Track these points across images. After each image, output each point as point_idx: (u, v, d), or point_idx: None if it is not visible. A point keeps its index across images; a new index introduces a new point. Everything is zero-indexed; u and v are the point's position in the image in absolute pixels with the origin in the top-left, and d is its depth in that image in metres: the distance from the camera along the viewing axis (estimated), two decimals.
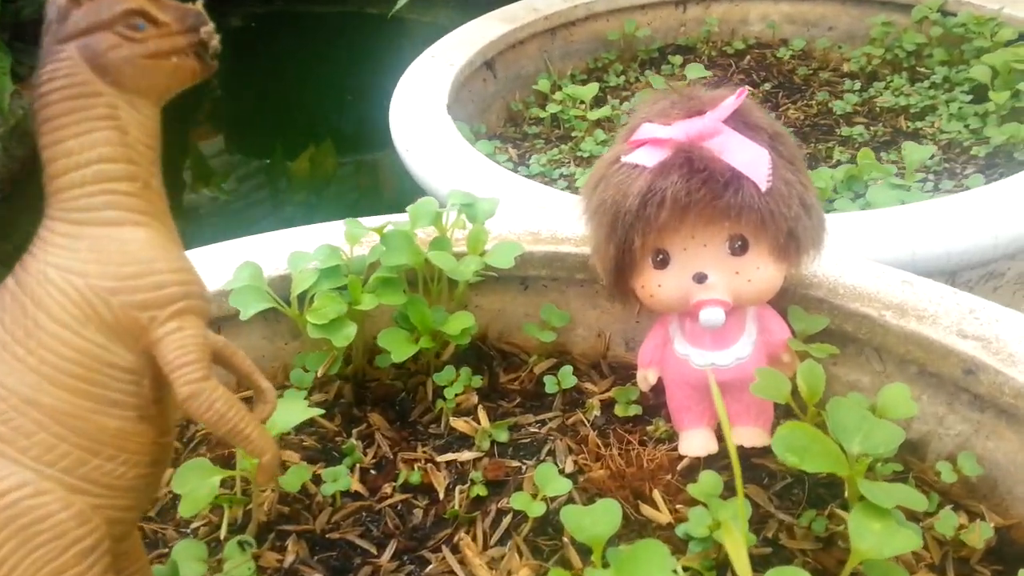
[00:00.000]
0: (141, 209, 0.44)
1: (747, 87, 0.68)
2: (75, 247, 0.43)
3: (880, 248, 0.87)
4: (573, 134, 1.41)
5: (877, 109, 1.43)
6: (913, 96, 1.41)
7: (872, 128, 1.37)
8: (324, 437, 0.78)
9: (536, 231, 0.85)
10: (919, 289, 0.74)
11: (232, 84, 3.18)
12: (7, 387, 0.42)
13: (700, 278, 0.66)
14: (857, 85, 1.51)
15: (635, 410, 0.78)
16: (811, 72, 1.62)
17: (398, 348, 0.73)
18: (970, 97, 1.38)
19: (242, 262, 0.75)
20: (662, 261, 0.67)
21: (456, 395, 0.78)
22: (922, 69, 1.52)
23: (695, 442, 0.72)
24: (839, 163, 1.28)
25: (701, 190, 0.63)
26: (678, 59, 1.64)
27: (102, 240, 0.43)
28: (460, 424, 0.77)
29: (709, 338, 0.70)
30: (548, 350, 0.85)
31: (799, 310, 0.75)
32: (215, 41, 0.46)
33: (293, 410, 0.67)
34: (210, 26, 0.46)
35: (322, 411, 0.67)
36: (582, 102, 1.42)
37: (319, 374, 0.77)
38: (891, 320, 0.72)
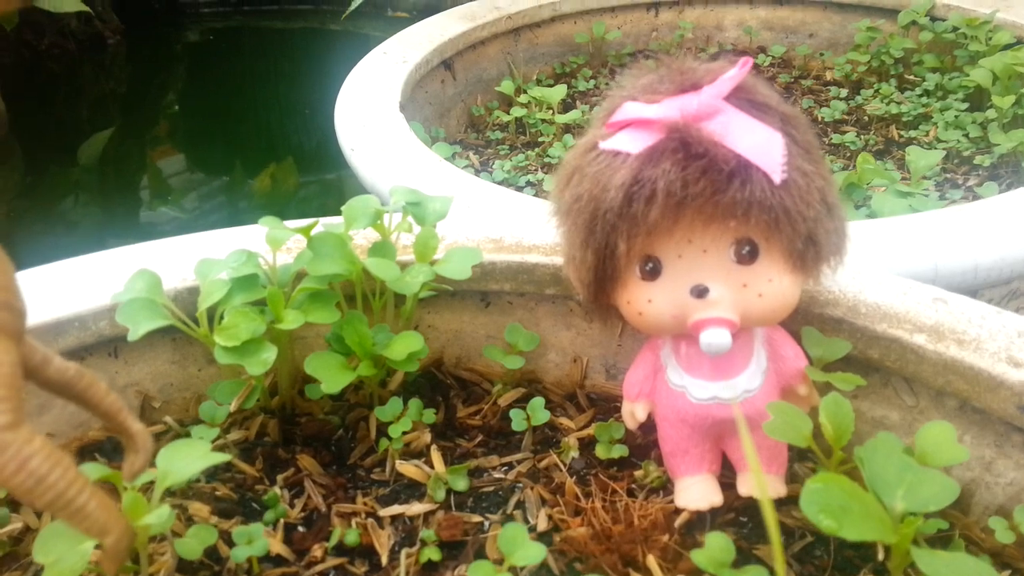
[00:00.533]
0: None
1: (750, 58, 0.56)
2: None
3: (897, 262, 0.75)
4: (540, 139, 1.29)
5: (866, 118, 1.33)
6: (905, 104, 1.31)
7: (863, 137, 1.26)
8: (242, 485, 0.64)
9: (498, 237, 0.72)
10: (956, 308, 0.63)
11: (191, 101, 3.09)
12: None
13: (700, 292, 0.53)
14: (843, 93, 1.41)
15: (620, 451, 0.65)
16: (792, 80, 1.52)
17: (330, 376, 0.60)
18: (966, 105, 1.28)
19: (137, 270, 0.62)
20: (652, 271, 0.55)
21: (404, 433, 0.64)
22: (911, 76, 1.43)
23: (695, 492, 0.59)
24: (831, 172, 1.17)
25: (700, 182, 0.50)
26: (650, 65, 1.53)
27: None
28: (409, 469, 0.63)
29: (710, 366, 0.57)
30: (515, 378, 0.72)
31: (815, 332, 0.62)
32: None
33: (192, 456, 0.53)
34: None
35: (227, 457, 0.53)
36: (549, 106, 1.30)
37: (233, 408, 0.62)
38: (926, 345, 0.60)
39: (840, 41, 1.58)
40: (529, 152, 1.25)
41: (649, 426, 0.63)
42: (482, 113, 1.41)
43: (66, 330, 0.64)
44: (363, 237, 0.71)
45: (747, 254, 0.53)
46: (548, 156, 1.22)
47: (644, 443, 0.66)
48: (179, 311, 0.62)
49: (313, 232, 0.62)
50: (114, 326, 0.63)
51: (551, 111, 1.31)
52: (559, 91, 1.29)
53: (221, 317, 0.60)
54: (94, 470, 0.51)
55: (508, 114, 1.32)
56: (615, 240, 0.53)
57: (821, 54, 1.57)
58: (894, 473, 0.49)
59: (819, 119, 1.34)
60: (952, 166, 1.16)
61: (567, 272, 0.59)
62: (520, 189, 1.15)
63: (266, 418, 0.67)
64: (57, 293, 0.66)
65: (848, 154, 1.23)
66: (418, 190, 0.66)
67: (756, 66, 1.55)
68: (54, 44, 3.16)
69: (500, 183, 1.16)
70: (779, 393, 0.60)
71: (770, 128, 0.53)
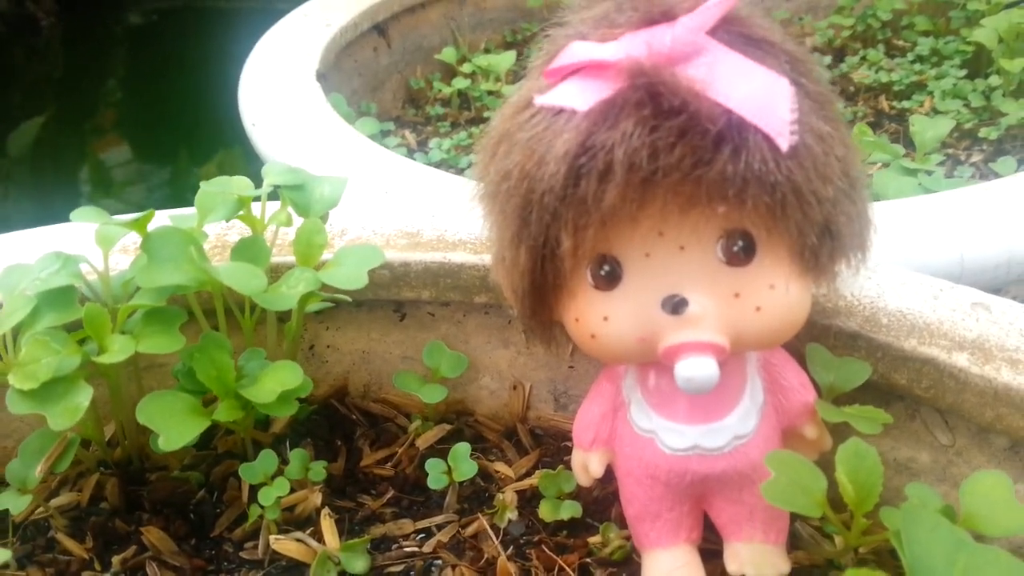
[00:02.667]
0: None
1: None
2: None
3: (915, 253, 0.61)
4: (485, 115, 1.12)
5: (853, 88, 1.18)
6: (895, 72, 1.17)
7: (851, 109, 1.12)
8: (65, 571, 0.47)
9: (415, 231, 0.56)
10: (1002, 316, 0.48)
11: (132, 86, 2.92)
12: None
13: (675, 305, 0.38)
14: (827, 60, 1.26)
15: (571, 509, 0.50)
16: None
17: (173, 427, 0.43)
18: (964, 72, 1.14)
19: None
20: (609, 276, 0.39)
21: (280, 498, 0.48)
22: (900, 42, 1.28)
23: (668, 570, 0.44)
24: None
25: (675, 149, 0.35)
26: None
27: None
28: (288, 546, 0.47)
29: (688, 405, 0.42)
30: (438, 412, 0.57)
31: (823, 352, 0.48)
32: None
33: None
34: None
35: (6, 556, 0.37)
36: (497, 77, 1.14)
37: (38, 474, 0.46)
38: (969, 367, 0.45)
39: (821, 4, 1.44)
40: (473, 129, 1.09)
41: (610, 476, 0.47)
42: (422, 86, 1.24)
43: None
44: (238, 232, 0.55)
45: (740, 251, 0.38)
46: None
47: (603, 496, 0.51)
48: None
49: (150, 227, 0.45)
50: None
51: (499, 82, 1.14)
52: (507, 59, 1.13)
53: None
54: None
55: (450, 86, 1.15)
56: (556, 233, 0.38)
57: (800, 19, 1.43)
58: (944, 553, 0.36)
59: None
60: (952, 139, 1.02)
61: (496, 277, 0.44)
62: (461, 172, 0.99)
63: (104, 476, 0.51)
64: None
65: None
66: (302, 170, 0.50)
67: None
68: None
69: (436, 165, 1.00)
70: (780, 436, 0.45)
71: (773, 72, 0.38)
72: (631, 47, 0.38)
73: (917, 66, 1.19)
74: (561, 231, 0.38)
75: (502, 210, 0.40)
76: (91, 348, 0.45)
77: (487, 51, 1.33)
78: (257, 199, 0.49)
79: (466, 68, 1.16)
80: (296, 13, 1.11)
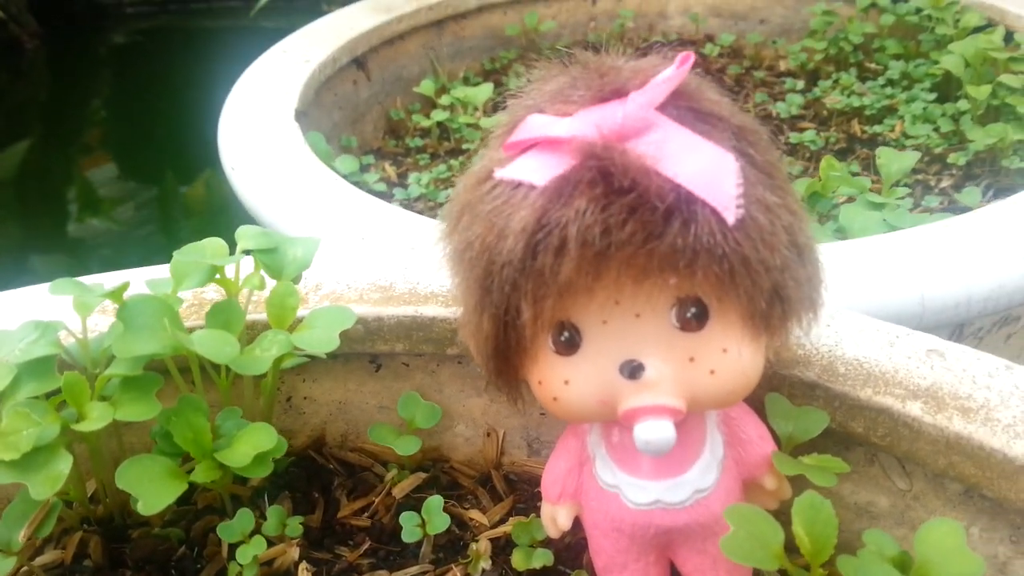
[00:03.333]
0: None
1: (691, 53, 0.42)
2: None
3: (877, 293, 0.62)
4: (464, 146, 1.14)
5: (825, 112, 1.20)
6: (867, 96, 1.19)
7: (823, 134, 1.14)
8: None
9: (387, 284, 0.57)
10: (956, 363, 0.50)
11: (117, 106, 2.93)
12: None
13: (632, 370, 0.39)
14: (799, 85, 1.28)
15: (543, 558, 0.51)
16: (743, 71, 1.39)
17: (152, 491, 0.45)
18: (934, 96, 1.16)
19: None
20: (568, 342, 0.41)
21: (257, 556, 0.49)
22: (872, 64, 1.30)
23: None
24: (790, 176, 1.04)
25: (627, 225, 0.36)
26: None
27: None
28: None
29: (650, 461, 0.43)
30: (414, 460, 0.58)
31: (782, 401, 0.49)
32: None
33: None
34: None
35: None
36: (475, 108, 1.16)
37: (22, 540, 0.47)
38: (922, 416, 0.47)
39: (794, 27, 1.46)
40: (452, 161, 1.10)
41: (579, 525, 0.49)
42: (402, 117, 1.26)
43: None
44: (214, 290, 0.56)
45: (693, 317, 0.40)
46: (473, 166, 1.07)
47: (574, 543, 0.53)
48: None
49: (126, 296, 0.47)
50: None
51: (476, 112, 1.16)
52: (484, 90, 1.14)
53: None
54: None
55: (429, 118, 1.16)
56: (517, 303, 0.39)
57: (774, 42, 1.45)
58: None
59: (774, 115, 1.21)
60: (923, 164, 1.04)
61: (463, 337, 0.45)
62: (439, 205, 1.00)
63: (87, 533, 0.52)
64: None
65: (808, 154, 1.10)
66: (274, 233, 0.51)
67: (702, 58, 1.42)
68: None
69: (416, 199, 1.01)
70: (740, 488, 0.46)
71: (719, 147, 0.39)
72: (584, 124, 0.39)
73: (888, 90, 1.21)
74: (521, 301, 0.39)
75: (465, 278, 0.42)
76: (70, 413, 0.47)
77: (466, 79, 1.34)
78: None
79: (444, 100, 1.18)
80: (275, 49, 1.12)
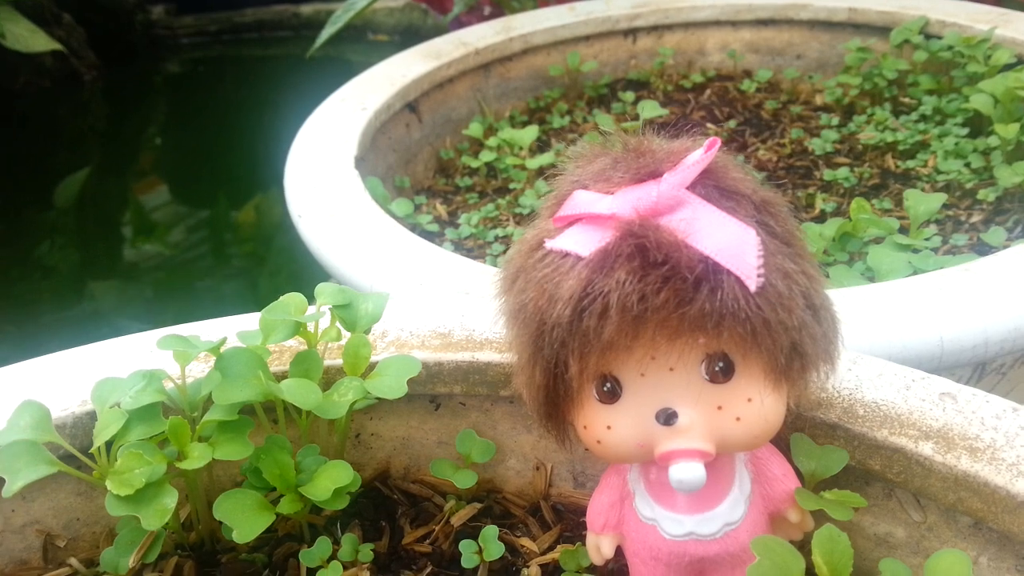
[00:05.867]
0: None
1: (712, 129, 0.48)
2: None
3: (899, 334, 0.67)
4: (511, 186, 1.20)
5: (860, 147, 1.24)
6: (900, 131, 1.23)
7: (857, 170, 1.18)
8: None
9: (446, 331, 0.63)
10: (966, 405, 0.54)
11: (172, 134, 3.05)
12: None
13: (667, 417, 0.45)
14: (835, 120, 1.32)
15: None
16: (780, 106, 1.43)
17: (244, 521, 0.51)
18: (966, 130, 1.20)
19: (22, 402, 0.53)
20: (611, 392, 0.46)
21: None
22: (906, 99, 1.34)
23: None
24: (823, 214, 1.08)
25: (661, 293, 0.42)
26: (630, 95, 1.44)
27: None
28: None
29: (684, 497, 0.49)
30: (471, 491, 0.64)
31: (806, 441, 0.54)
32: None
33: None
34: None
35: None
36: (521, 148, 1.22)
37: (132, 564, 0.54)
38: (933, 456, 0.51)
39: (830, 62, 1.50)
40: (500, 200, 1.16)
41: (621, 554, 0.54)
42: (451, 156, 1.32)
43: None
44: (296, 339, 0.62)
45: (721, 371, 0.45)
46: (520, 206, 1.13)
47: (616, 569, 0.58)
48: (73, 444, 0.54)
49: (223, 349, 0.53)
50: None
51: (522, 151, 1.22)
52: (530, 133, 1.21)
53: (117, 455, 0.52)
54: None
55: (477, 159, 1.23)
56: (565, 358, 0.45)
57: (810, 77, 1.49)
58: None
59: (810, 150, 1.25)
60: (954, 199, 1.08)
61: (517, 385, 0.51)
62: (489, 244, 1.06)
63: (182, 558, 0.59)
64: None
65: (842, 191, 1.14)
66: (348, 289, 0.58)
67: (740, 93, 1.47)
68: (29, 83, 3.10)
69: (466, 239, 1.08)
70: (766, 521, 0.51)
71: (742, 222, 0.45)
72: (623, 203, 0.45)
73: (921, 125, 1.24)
74: (569, 357, 0.45)
75: (519, 334, 0.48)
76: (171, 451, 0.53)
77: (512, 118, 1.41)
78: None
79: (492, 142, 1.24)
80: (334, 98, 1.20)
